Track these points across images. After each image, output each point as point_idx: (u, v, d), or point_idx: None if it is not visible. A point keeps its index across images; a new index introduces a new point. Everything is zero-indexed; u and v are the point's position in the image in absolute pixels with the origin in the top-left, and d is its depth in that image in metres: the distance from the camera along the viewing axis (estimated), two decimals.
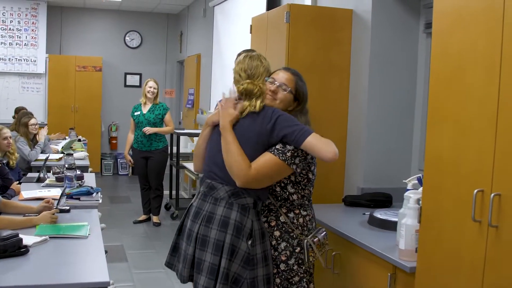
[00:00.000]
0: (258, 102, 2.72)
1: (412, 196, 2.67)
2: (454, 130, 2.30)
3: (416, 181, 2.98)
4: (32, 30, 10.56)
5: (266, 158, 2.65)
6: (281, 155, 2.64)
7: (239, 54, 3.15)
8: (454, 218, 2.28)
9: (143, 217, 7.45)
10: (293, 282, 2.75)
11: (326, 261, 2.94)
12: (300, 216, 2.79)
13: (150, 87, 7.06)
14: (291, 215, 2.77)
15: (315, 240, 2.73)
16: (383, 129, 4.07)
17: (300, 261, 2.75)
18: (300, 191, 2.79)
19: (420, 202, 2.55)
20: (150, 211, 7.42)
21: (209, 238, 2.64)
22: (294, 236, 2.75)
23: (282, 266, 2.75)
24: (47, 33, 10.72)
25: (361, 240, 2.95)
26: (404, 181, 3.10)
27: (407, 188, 2.98)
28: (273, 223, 2.78)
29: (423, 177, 2.54)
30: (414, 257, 2.55)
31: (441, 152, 2.38)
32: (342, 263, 3.08)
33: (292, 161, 2.65)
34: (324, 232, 2.81)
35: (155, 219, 7.39)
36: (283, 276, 2.75)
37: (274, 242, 2.75)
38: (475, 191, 2.12)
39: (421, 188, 2.69)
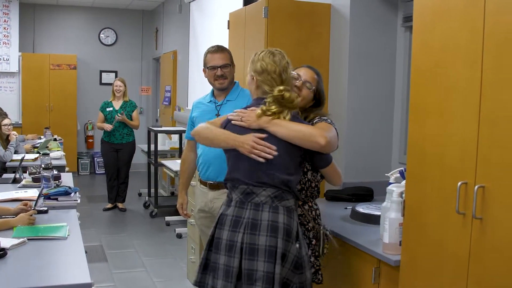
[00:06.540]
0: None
1: (395, 190, 2.66)
2: (437, 123, 2.30)
3: (399, 175, 2.98)
4: (4, 28, 10.37)
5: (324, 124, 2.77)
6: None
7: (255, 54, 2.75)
8: (438, 210, 2.28)
9: (110, 205, 8.09)
10: None
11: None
12: (313, 209, 2.86)
13: (116, 86, 7.82)
14: (306, 207, 2.84)
15: (329, 230, 2.81)
16: (363, 123, 4.08)
17: (316, 253, 2.79)
18: (314, 179, 2.85)
19: (403, 195, 2.55)
20: (116, 199, 8.08)
21: (258, 246, 2.48)
22: (309, 228, 2.81)
23: None
24: (20, 31, 10.54)
25: (344, 234, 2.94)
26: (386, 174, 3.10)
27: (390, 181, 2.98)
28: None
29: (406, 170, 2.53)
30: (398, 250, 2.55)
31: (424, 145, 2.38)
32: (326, 258, 3.06)
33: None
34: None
35: (121, 205, 8.08)
36: None
37: None
38: (459, 183, 2.12)
39: (404, 181, 2.69)
